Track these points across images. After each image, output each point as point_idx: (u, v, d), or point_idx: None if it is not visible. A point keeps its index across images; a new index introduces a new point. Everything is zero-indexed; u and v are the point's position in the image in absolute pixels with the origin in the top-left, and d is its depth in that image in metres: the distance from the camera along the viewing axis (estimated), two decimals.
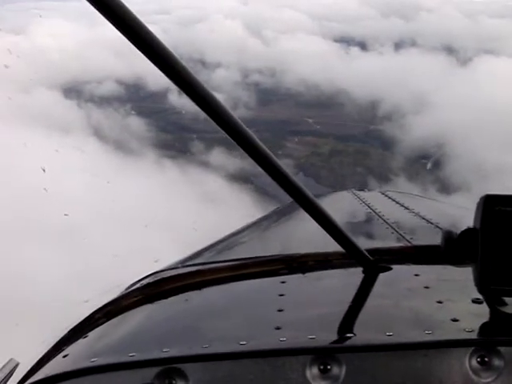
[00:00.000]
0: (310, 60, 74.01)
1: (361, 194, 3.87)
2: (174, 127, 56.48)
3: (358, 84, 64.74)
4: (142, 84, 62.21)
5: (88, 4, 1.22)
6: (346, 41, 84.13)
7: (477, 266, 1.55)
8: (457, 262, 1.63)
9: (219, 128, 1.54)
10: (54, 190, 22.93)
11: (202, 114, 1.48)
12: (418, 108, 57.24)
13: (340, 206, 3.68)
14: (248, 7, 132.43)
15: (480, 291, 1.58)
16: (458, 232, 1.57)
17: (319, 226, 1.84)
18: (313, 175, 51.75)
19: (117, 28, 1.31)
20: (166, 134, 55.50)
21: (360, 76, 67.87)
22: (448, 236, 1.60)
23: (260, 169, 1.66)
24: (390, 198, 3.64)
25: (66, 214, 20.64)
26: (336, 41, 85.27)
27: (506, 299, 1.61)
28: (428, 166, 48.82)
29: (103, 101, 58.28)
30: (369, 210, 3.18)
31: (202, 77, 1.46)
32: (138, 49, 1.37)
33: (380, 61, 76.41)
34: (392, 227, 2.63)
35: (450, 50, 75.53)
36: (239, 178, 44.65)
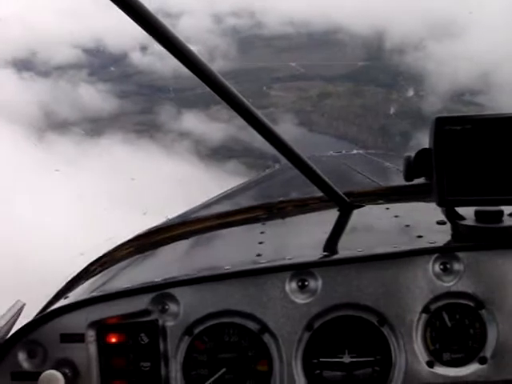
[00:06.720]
0: None
1: (340, 155, 4.99)
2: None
3: (353, 16, 56.44)
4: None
5: None
6: None
7: (433, 182, 1.69)
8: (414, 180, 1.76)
9: (203, 83, 1.74)
10: None
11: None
12: (432, 34, 48.38)
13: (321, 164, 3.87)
14: None
15: (438, 204, 1.72)
16: None
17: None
18: (304, 123, 45.66)
19: None
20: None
21: (355, 7, 59.47)
22: (407, 159, 1.73)
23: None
24: (367, 156, 4.68)
25: None
26: None
27: (465, 214, 1.76)
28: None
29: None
30: (347, 166, 3.82)
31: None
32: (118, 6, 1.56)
33: None
34: (366, 176, 3.04)
35: None
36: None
